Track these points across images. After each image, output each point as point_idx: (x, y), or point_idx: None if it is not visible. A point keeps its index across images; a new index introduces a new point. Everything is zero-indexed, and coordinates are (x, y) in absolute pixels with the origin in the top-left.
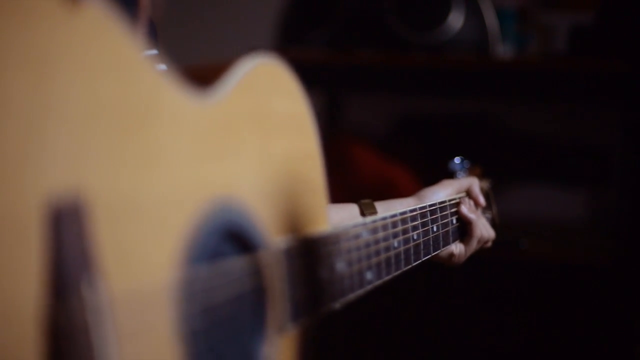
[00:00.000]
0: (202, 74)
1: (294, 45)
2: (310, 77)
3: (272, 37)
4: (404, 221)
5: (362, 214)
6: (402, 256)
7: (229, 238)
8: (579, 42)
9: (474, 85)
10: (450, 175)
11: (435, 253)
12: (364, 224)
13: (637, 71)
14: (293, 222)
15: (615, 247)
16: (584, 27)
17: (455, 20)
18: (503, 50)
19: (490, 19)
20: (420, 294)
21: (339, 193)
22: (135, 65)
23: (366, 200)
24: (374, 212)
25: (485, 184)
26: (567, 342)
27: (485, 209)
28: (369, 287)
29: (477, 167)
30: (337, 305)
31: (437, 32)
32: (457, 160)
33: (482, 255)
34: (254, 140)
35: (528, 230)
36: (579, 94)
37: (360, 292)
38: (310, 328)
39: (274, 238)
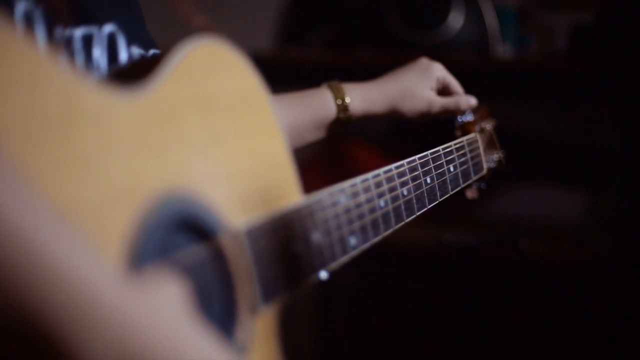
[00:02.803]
0: (143, 67)
1: (294, 45)
2: (310, 77)
3: (272, 37)
4: (389, 179)
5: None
6: (392, 214)
7: (181, 229)
8: (579, 42)
9: (474, 85)
10: (451, 119)
11: (432, 205)
12: (342, 190)
13: (636, 71)
14: (258, 201)
15: (615, 247)
16: (584, 27)
17: (455, 20)
18: (503, 50)
19: (490, 19)
20: (421, 293)
21: None
22: (42, 74)
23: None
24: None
25: (489, 125)
26: (567, 342)
27: (492, 150)
28: (354, 252)
29: (483, 106)
30: (323, 275)
31: (437, 32)
32: None
33: (482, 255)
34: (199, 125)
35: (528, 230)
36: (579, 94)
37: (344, 258)
38: (290, 306)
39: (234, 220)
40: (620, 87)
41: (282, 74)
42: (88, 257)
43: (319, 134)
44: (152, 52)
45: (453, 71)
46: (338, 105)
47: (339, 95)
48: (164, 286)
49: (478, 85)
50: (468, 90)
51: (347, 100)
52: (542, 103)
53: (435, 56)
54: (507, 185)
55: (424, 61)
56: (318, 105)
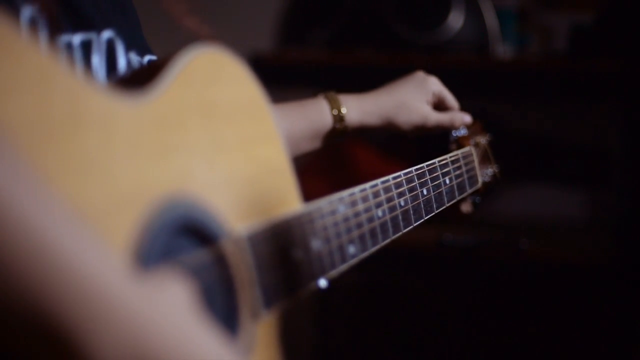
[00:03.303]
0: (147, 73)
1: (294, 45)
2: (310, 77)
3: (272, 37)
4: (387, 189)
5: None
6: (389, 224)
7: (183, 233)
8: (579, 42)
9: (474, 85)
10: (446, 133)
11: (429, 216)
12: (341, 199)
13: (637, 71)
14: (258, 207)
15: (615, 247)
16: (584, 27)
17: (455, 20)
18: (503, 50)
19: (490, 19)
20: (420, 293)
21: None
22: (49, 76)
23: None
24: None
25: (484, 139)
26: (567, 342)
27: (487, 165)
28: (353, 261)
29: (477, 121)
30: (322, 283)
31: (437, 32)
32: None
33: (482, 255)
34: (201, 132)
35: (528, 230)
36: (579, 93)
37: (343, 266)
38: (290, 311)
39: (236, 226)
40: (620, 87)
41: (282, 74)
42: (100, 254)
43: (314, 144)
44: (147, 58)
45: (453, 71)
46: (334, 116)
47: (335, 105)
48: (171, 285)
49: (478, 85)
50: (468, 90)
51: (343, 111)
52: (542, 103)
53: (435, 56)
54: (507, 185)
55: (420, 75)
56: (314, 116)
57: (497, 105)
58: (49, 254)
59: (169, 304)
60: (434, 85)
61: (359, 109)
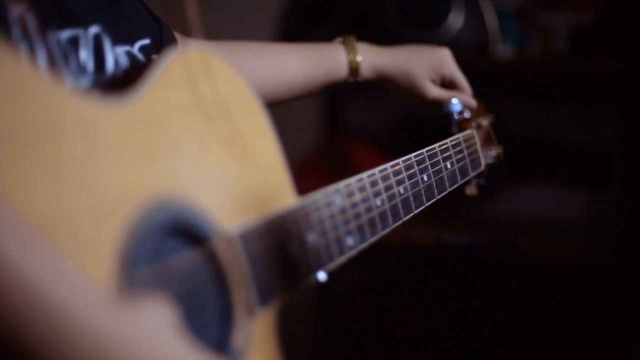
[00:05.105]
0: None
1: None
2: None
3: (272, 37)
4: (385, 178)
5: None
6: (389, 213)
7: (174, 235)
8: (579, 42)
9: (474, 85)
10: (448, 117)
11: (430, 202)
12: (337, 190)
13: (637, 71)
14: (251, 204)
15: (615, 247)
16: (584, 27)
17: (455, 20)
18: (503, 50)
19: (490, 19)
20: (421, 293)
21: None
22: (28, 85)
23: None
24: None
25: (486, 121)
26: (567, 342)
27: (490, 146)
28: (352, 252)
29: (480, 103)
30: (321, 276)
31: (437, 32)
32: (455, 100)
33: (482, 255)
34: (188, 131)
35: (528, 230)
36: (579, 94)
37: (341, 259)
38: (289, 307)
39: (228, 224)
40: (620, 87)
41: None
42: (72, 282)
43: (325, 89)
44: (139, 44)
45: None
46: (350, 61)
47: (351, 51)
48: (149, 307)
49: (478, 85)
50: None
51: (359, 58)
52: (542, 103)
53: None
54: (507, 185)
55: (439, 53)
56: (329, 65)
57: (497, 105)
58: (22, 284)
59: (145, 328)
60: (446, 68)
61: (373, 59)
